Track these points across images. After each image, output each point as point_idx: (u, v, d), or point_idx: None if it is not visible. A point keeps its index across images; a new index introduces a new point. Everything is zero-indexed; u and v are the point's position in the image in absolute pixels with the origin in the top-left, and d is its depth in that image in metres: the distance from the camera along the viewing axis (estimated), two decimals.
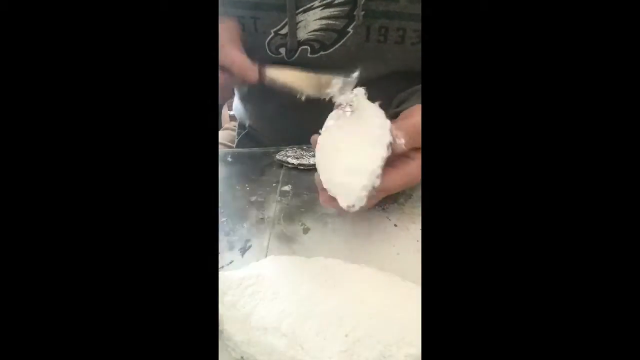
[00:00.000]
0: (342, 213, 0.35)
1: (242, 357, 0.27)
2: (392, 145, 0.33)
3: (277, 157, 0.49)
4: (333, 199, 0.33)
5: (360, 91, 0.36)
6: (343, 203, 0.32)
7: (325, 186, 0.33)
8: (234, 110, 0.74)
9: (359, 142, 0.33)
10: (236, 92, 0.68)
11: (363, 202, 0.31)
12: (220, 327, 0.28)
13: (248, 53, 0.53)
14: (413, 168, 0.35)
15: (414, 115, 0.37)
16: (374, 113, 0.34)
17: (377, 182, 0.32)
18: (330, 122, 0.36)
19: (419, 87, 0.48)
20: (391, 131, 0.33)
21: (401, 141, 0.33)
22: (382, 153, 0.32)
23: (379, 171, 0.32)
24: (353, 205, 0.31)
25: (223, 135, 0.77)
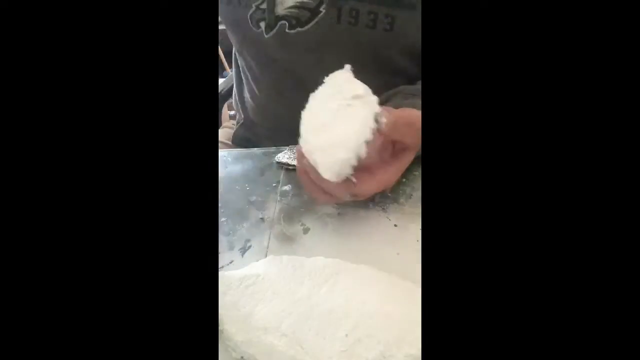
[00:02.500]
0: (330, 191, 0.35)
1: (242, 357, 0.27)
2: (377, 120, 0.32)
3: (277, 159, 0.49)
4: (317, 174, 0.32)
5: (347, 68, 0.35)
6: (327, 174, 0.31)
7: (310, 160, 0.33)
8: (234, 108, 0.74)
9: (344, 117, 0.32)
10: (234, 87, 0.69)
11: (347, 171, 0.31)
12: (220, 327, 0.28)
13: (232, 26, 0.54)
14: (390, 174, 0.36)
15: (406, 111, 0.37)
16: (361, 90, 0.33)
17: (363, 154, 0.31)
18: (313, 101, 0.35)
19: (403, 87, 0.48)
20: (378, 110, 0.32)
21: (382, 120, 0.33)
22: (369, 126, 0.31)
23: (364, 143, 0.31)
24: (336, 176, 0.31)
25: (222, 134, 0.77)
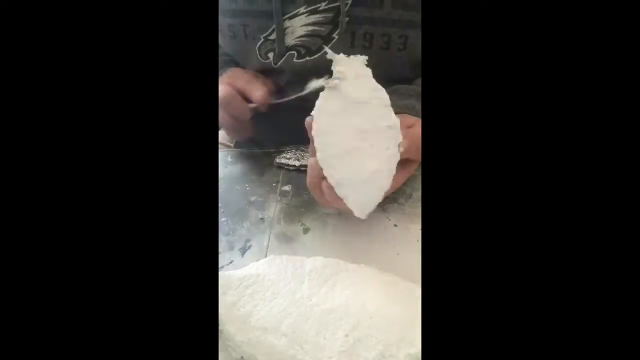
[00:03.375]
0: (343, 210, 0.35)
1: (242, 357, 0.27)
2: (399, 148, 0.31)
3: (277, 161, 0.49)
4: (336, 196, 0.32)
5: (360, 59, 0.31)
6: (359, 214, 0.31)
7: (337, 191, 0.31)
8: None
9: (366, 136, 0.31)
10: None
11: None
12: (220, 327, 0.28)
13: (241, 59, 0.54)
14: (395, 183, 0.35)
15: (415, 130, 0.38)
16: (379, 99, 0.31)
17: (389, 188, 0.31)
18: (321, 101, 0.32)
19: (398, 87, 0.49)
20: (401, 139, 0.31)
21: (401, 148, 0.32)
22: (396, 156, 0.31)
23: (392, 176, 0.31)
24: (367, 215, 0.31)
25: (222, 135, 0.77)
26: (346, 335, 0.26)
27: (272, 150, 0.53)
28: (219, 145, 0.71)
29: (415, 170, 0.44)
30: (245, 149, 0.56)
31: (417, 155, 0.37)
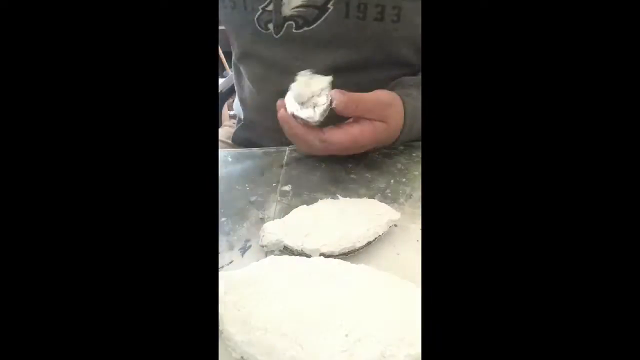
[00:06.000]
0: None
1: (242, 357, 0.27)
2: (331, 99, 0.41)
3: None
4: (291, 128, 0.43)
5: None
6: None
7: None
8: (234, 110, 0.75)
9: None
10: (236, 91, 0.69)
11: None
12: (220, 327, 0.28)
13: (240, 30, 0.56)
14: (359, 129, 0.42)
15: (375, 94, 0.44)
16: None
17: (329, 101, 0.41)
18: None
19: (403, 78, 0.50)
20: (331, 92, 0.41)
21: (329, 99, 0.41)
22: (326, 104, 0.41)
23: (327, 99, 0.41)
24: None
25: (222, 133, 0.77)
26: (346, 335, 0.26)
27: (272, 150, 0.53)
28: (219, 145, 0.71)
29: (415, 172, 0.45)
30: (245, 149, 0.56)
31: (373, 116, 0.43)
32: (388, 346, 0.25)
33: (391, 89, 0.48)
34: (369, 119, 0.43)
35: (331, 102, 0.40)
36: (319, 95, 0.41)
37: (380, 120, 0.43)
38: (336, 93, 0.40)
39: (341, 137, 0.42)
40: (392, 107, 0.45)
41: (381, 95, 0.44)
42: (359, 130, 0.42)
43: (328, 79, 0.42)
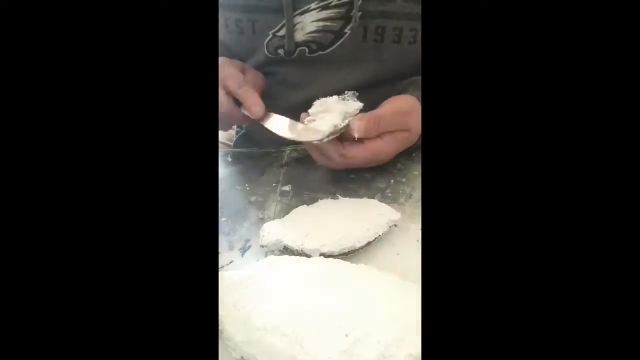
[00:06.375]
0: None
1: (242, 357, 0.27)
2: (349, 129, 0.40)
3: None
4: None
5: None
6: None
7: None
8: None
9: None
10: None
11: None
12: (220, 327, 0.28)
13: (247, 55, 0.53)
14: (379, 144, 0.42)
15: (382, 105, 0.42)
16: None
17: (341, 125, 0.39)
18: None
19: (417, 78, 0.49)
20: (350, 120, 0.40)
21: (346, 122, 0.39)
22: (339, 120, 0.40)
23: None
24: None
25: (222, 134, 0.77)
26: (346, 335, 0.26)
27: (272, 150, 0.53)
28: (219, 146, 0.71)
29: (415, 172, 0.45)
30: (245, 149, 0.56)
31: (397, 127, 0.42)
32: (388, 346, 0.25)
33: (404, 88, 0.47)
34: (391, 131, 0.42)
35: (348, 126, 0.40)
36: (343, 120, 0.40)
37: (401, 130, 0.43)
38: (355, 120, 0.39)
39: (361, 152, 0.41)
40: (412, 114, 0.43)
41: (399, 103, 0.43)
42: (379, 144, 0.42)
43: (359, 105, 0.41)
